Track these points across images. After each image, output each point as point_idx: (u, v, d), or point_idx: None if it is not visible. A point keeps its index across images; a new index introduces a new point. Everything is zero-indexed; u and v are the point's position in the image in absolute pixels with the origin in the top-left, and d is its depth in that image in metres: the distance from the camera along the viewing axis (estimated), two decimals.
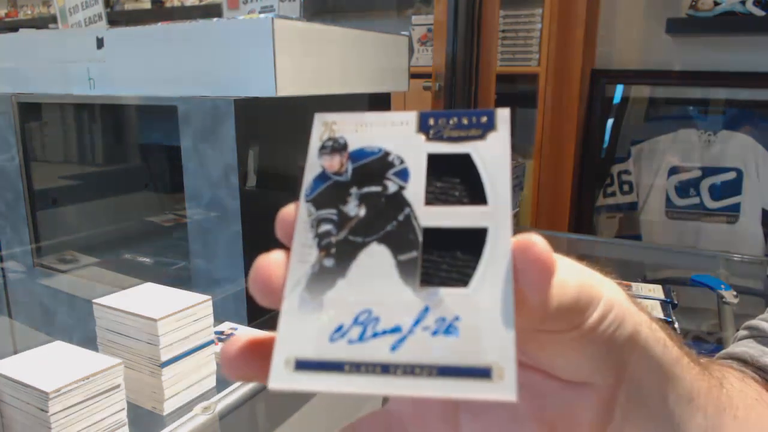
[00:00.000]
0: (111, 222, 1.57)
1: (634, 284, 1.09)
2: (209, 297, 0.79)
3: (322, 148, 0.23)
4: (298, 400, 0.92)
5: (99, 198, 1.58)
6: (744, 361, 0.41)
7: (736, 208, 1.65)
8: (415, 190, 0.22)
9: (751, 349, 0.42)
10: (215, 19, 1.04)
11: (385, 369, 0.19)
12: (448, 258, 0.21)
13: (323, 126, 0.24)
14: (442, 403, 0.27)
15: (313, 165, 0.23)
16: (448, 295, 0.20)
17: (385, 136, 0.23)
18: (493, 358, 0.18)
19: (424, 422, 0.27)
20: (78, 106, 1.52)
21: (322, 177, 0.23)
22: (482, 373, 0.18)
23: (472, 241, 0.21)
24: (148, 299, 0.77)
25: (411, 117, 0.23)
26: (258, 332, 0.22)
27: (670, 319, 0.95)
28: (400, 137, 0.23)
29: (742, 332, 0.46)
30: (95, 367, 0.64)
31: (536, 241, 0.20)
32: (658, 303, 1.00)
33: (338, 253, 0.21)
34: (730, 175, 1.66)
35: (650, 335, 0.25)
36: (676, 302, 1.03)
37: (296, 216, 0.22)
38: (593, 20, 1.87)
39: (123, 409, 0.68)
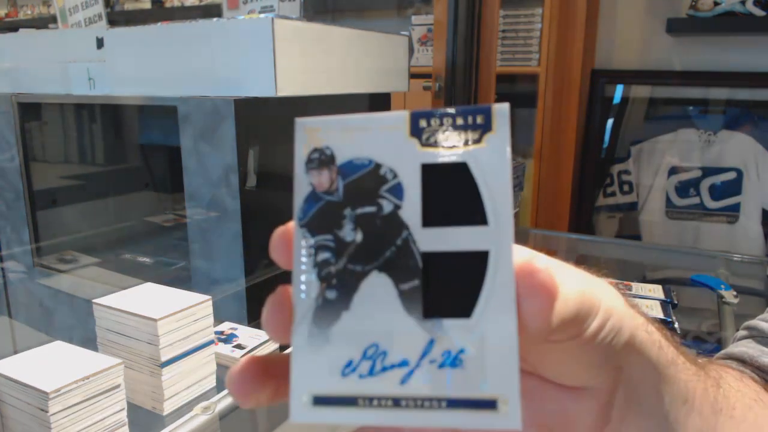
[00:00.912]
0: (111, 222, 1.57)
1: (633, 284, 1.09)
2: (209, 297, 0.78)
3: (309, 162, 0.22)
4: None
5: (99, 198, 1.58)
6: (743, 361, 0.41)
7: (736, 208, 1.65)
8: (412, 208, 0.21)
9: (750, 349, 0.42)
10: (215, 19, 1.04)
11: (397, 402, 0.20)
12: (450, 285, 0.21)
13: (306, 133, 0.23)
14: None
15: (302, 183, 0.22)
16: (452, 326, 0.20)
17: (375, 143, 0.22)
18: (497, 390, 0.19)
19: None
20: (78, 106, 1.52)
21: (314, 197, 0.22)
22: (488, 404, 0.19)
23: (474, 266, 0.20)
24: (148, 299, 0.77)
25: (401, 118, 0.22)
26: (258, 355, 0.23)
27: (670, 319, 0.95)
28: (391, 144, 0.22)
29: (742, 332, 0.46)
30: (95, 367, 0.64)
31: (539, 266, 0.20)
32: (658, 303, 1.00)
33: (339, 284, 0.21)
34: (730, 175, 1.65)
35: (646, 338, 0.25)
36: (676, 302, 1.02)
37: (293, 243, 0.22)
38: (593, 20, 1.87)
39: (123, 409, 0.67)
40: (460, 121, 0.22)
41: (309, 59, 1.03)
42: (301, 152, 0.23)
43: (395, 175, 0.22)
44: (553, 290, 0.20)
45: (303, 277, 0.21)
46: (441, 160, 0.21)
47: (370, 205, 0.22)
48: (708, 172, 1.69)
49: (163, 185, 1.62)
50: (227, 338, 0.89)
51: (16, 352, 0.67)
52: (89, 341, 0.76)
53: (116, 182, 1.63)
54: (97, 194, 1.58)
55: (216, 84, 1.01)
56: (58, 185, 1.51)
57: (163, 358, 0.73)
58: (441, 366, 0.20)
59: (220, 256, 1.05)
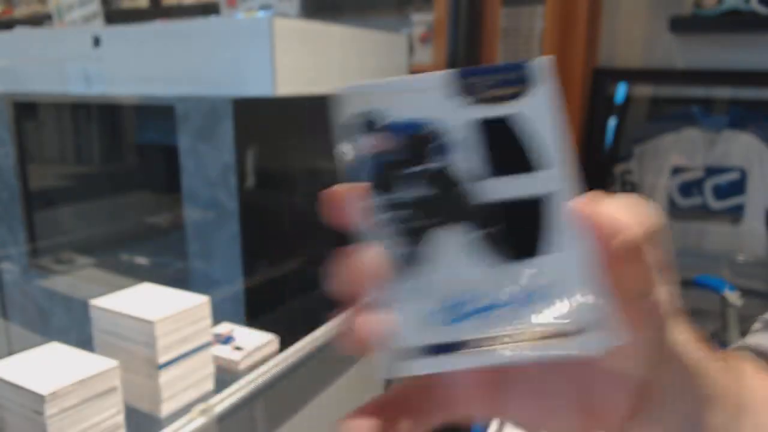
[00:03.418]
0: (108, 222, 1.56)
1: None
2: (207, 298, 0.78)
3: (356, 127, 0.22)
4: (296, 402, 0.91)
5: (95, 198, 1.57)
6: (759, 353, 0.40)
7: (740, 208, 1.64)
8: (466, 163, 0.21)
9: (766, 341, 0.41)
10: (213, 18, 1.03)
11: (489, 343, 0.20)
12: (517, 230, 0.21)
13: (348, 100, 0.22)
14: (485, 384, 0.26)
15: (352, 145, 0.22)
16: (527, 265, 0.21)
17: (420, 105, 0.22)
18: (584, 317, 0.20)
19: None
20: (74, 105, 1.51)
21: (364, 160, 0.22)
22: (587, 327, 0.20)
23: (535, 209, 0.21)
24: (145, 300, 0.76)
25: (442, 79, 0.22)
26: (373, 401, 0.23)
27: None
28: (437, 105, 0.22)
29: (757, 325, 0.45)
30: (92, 370, 0.63)
31: (600, 203, 0.20)
32: None
33: (409, 240, 0.21)
34: (734, 175, 1.64)
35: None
36: (679, 304, 1.01)
37: (350, 203, 0.22)
38: (595, 18, 1.86)
39: (120, 411, 0.67)
40: (501, 77, 0.22)
41: (307, 58, 1.02)
42: (345, 118, 0.22)
43: (445, 133, 0.22)
44: (616, 222, 0.20)
45: (373, 236, 0.22)
46: (488, 114, 0.21)
47: (423, 163, 0.22)
48: (711, 172, 1.68)
49: (161, 185, 1.61)
50: (225, 339, 0.88)
51: (11, 354, 0.66)
52: (86, 343, 0.75)
53: (113, 182, 1.62)
54: (94, 194, 1.57)
55: (214, 83, 1.00)
56: (54, 185, 1.50)
57: (161, 360, 0.72)
58: (525, 303, 0.20)
59: (219, 256, 1.04)
